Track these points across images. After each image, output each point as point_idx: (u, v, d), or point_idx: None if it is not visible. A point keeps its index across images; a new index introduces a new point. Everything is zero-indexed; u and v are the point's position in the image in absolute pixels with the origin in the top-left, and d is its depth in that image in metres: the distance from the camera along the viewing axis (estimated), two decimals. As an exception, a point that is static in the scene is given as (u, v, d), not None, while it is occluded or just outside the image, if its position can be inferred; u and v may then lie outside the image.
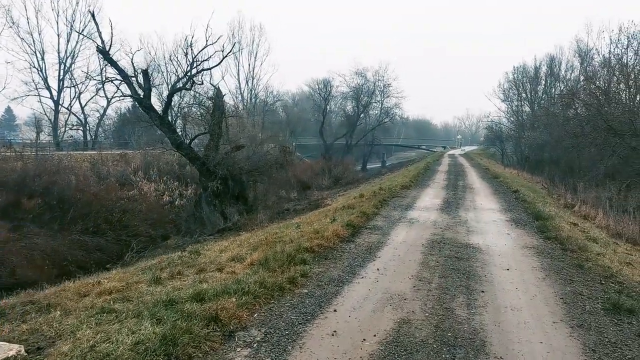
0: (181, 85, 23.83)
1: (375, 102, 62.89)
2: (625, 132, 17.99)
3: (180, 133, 28.99)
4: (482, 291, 5.08)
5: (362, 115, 63.17)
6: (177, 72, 24.13)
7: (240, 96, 52.44)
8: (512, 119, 48.81)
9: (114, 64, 21.32)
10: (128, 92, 21.33)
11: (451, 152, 66.65)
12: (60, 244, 14.81)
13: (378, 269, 5.90)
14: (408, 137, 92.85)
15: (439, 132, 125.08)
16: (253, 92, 53.59)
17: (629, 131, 18.01)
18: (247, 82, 52.50)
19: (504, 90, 48.83)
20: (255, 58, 51.92)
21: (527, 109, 46.52)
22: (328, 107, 64.77)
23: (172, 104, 35.05)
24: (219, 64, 25.22)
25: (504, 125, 50.46)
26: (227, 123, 26.97)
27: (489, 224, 9.36)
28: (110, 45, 20.55)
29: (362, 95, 61.22)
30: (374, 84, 60.00)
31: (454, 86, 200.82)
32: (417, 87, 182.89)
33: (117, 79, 22.30)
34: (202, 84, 25.59)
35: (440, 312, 4.42)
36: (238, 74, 52.13)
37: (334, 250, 6.78)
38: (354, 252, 6.78)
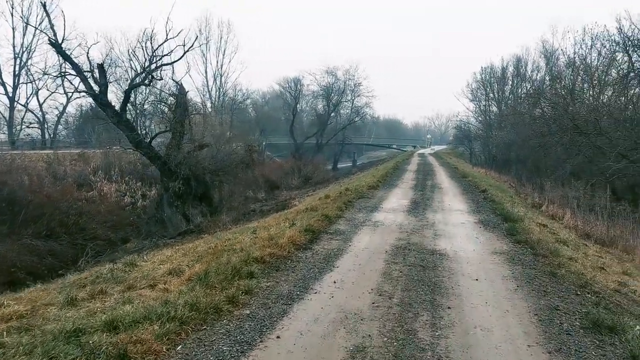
0: (140, 81, 22.60)
1: (346, 101, 62.68)
2: (591, 132, 18.04)
3: (140, 131, 27.70)
4: (449, 307, 4.49)
5: (332, 115, 62.81)
6: (135, 67, 22.78)
7: (208, 94, 51.04)
8: (480, 118, 49.37)
9: (67, 58, 20.03)
10: (84, 88, 20.11)
11: (421, 151, 67.09)
12: (9, 249, 13.65)
13: (335, 282, 5.25)
14: (379, 137, 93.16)
15: (410, 131, 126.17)
16: (221, 89, 52.28)
17: (594, 130, 18.06)
18: (215, 79, 51.17)
19: (472, 90, 49.36)
20: (223, 55, 50.67)
21: (494, 108, 47.10)
22: (299, 106, 64.10)
23: (135, 101, 33.64)
24: (180, 58, 24.20)
25: (472, 124, 51.01)
26: (190, 121, 25.91)
27: (457, 226, 8.88)
28: (63, 39, 19.27)
29: (332, 94, 60.81)
30: (345, 83, 59.71)
31: (424, 86, 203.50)
32: (388, 87, 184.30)
33: (71, 74, 21.03)
34: (162, 79, 24.46)
35: (401, 336, 3.80)
36: (206, 71, 50.63)
37: (288, 260, 6.10)
38: (310, 261, 6.11)
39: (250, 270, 5.32)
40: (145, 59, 21.65)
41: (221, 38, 50.27)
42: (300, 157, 51.68)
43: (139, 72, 22.52)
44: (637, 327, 4.04)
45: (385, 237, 7.74)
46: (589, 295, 5.02)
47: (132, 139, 21.15)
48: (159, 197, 24.73)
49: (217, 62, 50.88)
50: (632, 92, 21.06)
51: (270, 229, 8.27)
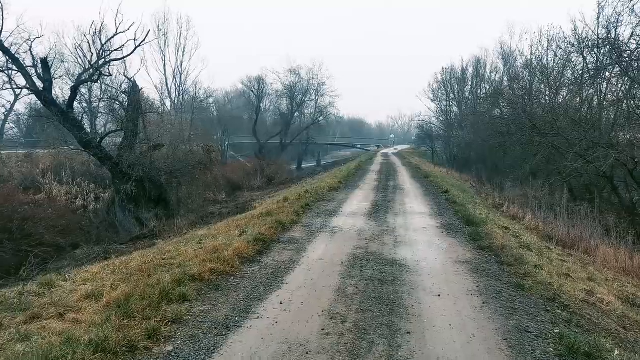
0: (87, 77, 21.16)
1: (309, 101, 62.16)
2: (549, 132, 18.17)
3: (93, 130, 26.09)
4: (409, 332, 3.93)
5: (296, 114, 62.20)
6: (84, 62, 21.30)
7: (167, 92, 49.14)
8: (441, 118, 49.94)
9: (5, 51, 18.43)
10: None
11: (384, 150, 67.45)
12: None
13: (281, 303, 4.60)
14: (343, 136, 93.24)
15: (374, 131, 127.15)
16: (181, 88, 50.46)
17: (551, 130, 18.21)
18: (174, 77, 49.31)
19: (434, 91, 49.83)
20: (183, 52, 48.88)
21: (455, 109, 47.72)
22: (262, 105, 63.13)
23: (89, 98, 31.82)
24: (131, 53, 22.72)
25: (434, 124, 51.57)
26: (144, 120, 24.63)
27: (418, 231, 8.42)
28: (2, 30, 17.68)
29: (296, 94, 60.19)
30: (308, 82, 59.16)
31: (388, 86, 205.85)
32: (353, 87, 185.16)
33: (12, 70, 19.40)
34: (110, 75, 23.04)
35: (352, 375, 3.20)
36: (164, 69, 48.67)
37: (231, 277, 5.39)
38: (256, 277, 5.43)
39: (182, 292, 4.59)
40: (93, 54, 20.31)
41: (180, 35, 48.52)
42: (263, 157, 50.84)
43: (86, 67, 21.11)
44: (616, 351, 3.61)
45: (342, 245, 7.16)
46: (560, 311, 4.59)
47: (80, 139, 19.77)
48: (110, 201, 23.42)
49: (177, 60, 49.08)
50: (586, 93, 21.49)
51: (218, 238, 7.53)
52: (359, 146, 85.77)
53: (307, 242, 7.30)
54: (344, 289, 5.05)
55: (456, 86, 47.11)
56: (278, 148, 58.68)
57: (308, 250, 6.80)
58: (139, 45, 21.41)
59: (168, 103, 48.12)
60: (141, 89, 24.90)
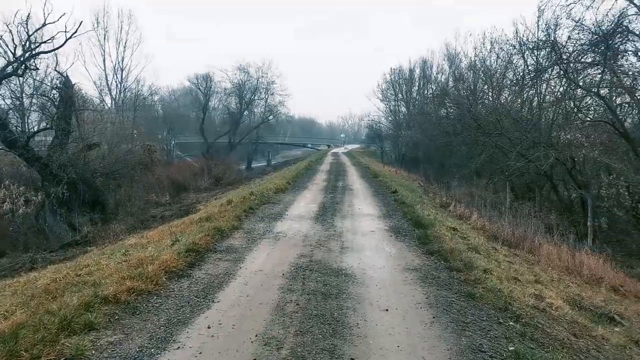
0: (11, 70, 19.30)
1: (259, 99, 61.26)
2: (492, 132, 18.56)
3: (19, 129, 23.94)
4: (352, 359, 3.46)
5: (246, 113, 61.05)
6: (8, 55, 19.38)
7: (107, 88, 46.37)
8: (390, 118, 50.65)
9: None
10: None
11: (335, 150, 67.58)
12: None
13: (209, 327, 3.99)
14: (294, 136, 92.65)
15: (324, 130, 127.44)
16: (123, 84, 47.80)
17: (495, 130, 18.61)
18: (115, 73, 46.61)
19: (382, 91, 50.48)
20: (124, 47, 46.29)
21: (403, 109, 48.52)
22: (211, 103, 61.50)
23: (21, 94, 29.26)
24: (62, 46, 21.07)
25: (383, 124, 52.21)
26: (78, 117, 22.92)
27: (366, 235, 8.03)
28: None
29: (245, 92, 58.97)
30: (258, 80, 58.21)
31: (339, 86, 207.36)
32: (304, 86, 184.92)
33: None
34: (38, 69, 21.25)
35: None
36: (104, 64, 45.88)
37: (154, 296, 4.70)
38: (184, 295, 4.77)
39: (89, 320, 3.87)
40: (17, 46, 18.57)
41: (121, 29, 45.96)
42: (211, 156, 49.42)
43: (10, 60, 19.25)
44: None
45: (285, 253, 6.61)
46: (512, 323, 4.30)
47: (3, 138, 18.06)
48: (41, 204, 21.63)
49: (118, 55, 46.41)
50: (527, 94, 22.24)
51: (147, 248, 6.77)
52: (309, 145, 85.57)
53: (247, 251, 6.69)
54: (283, 306, 4.51)
55: (404, 87, 47.91)
56: (227, 147, 57.26)
57: (247, 260, 6.20)
58: (71, 37, 19.85)
59: (108, 100, 45.48)
60: (75, 84, 23.19)
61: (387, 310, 4.45)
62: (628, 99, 13.58)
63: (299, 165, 30.02)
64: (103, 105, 43.66)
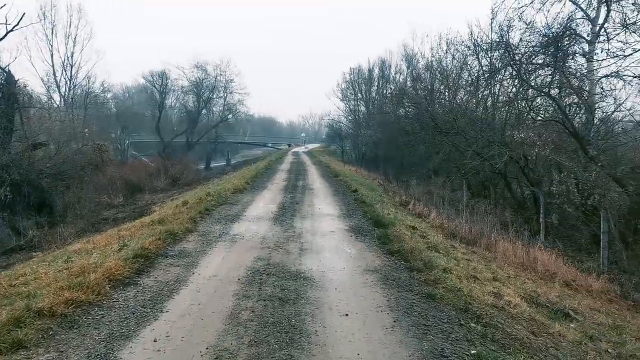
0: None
1: (218, 98, 60.06)
2: (450, 131, 18.90)
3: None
4: (310, 370, 3.26)
5: (204, 112, 59.75)
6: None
7: (55, 85, 43.84)
8: (350, 117, 50.92)
9: None
10: None
11: (296, 149, 67.31)
12: None
13: (155, 340, 3.66)
14: (254, 135, 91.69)
15: (285, 130, 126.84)
16: (72, 81, 45.35)
17: (452, 129, 18.96)
18: (64, 69, 44.14)
19: (342, 90, 50.67)
20: (74, 42, 43.85)
21: (363, 108, 48.89)
22: (168, 101, 59.87)
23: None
24: (1, 39, 19.75)
25: (343, 123, 52.45)
26: (22, 115, 21.59)
27: (326, 236, 7.85)
28: None
29: (203, 90, 57.63)
30: (216, 78, 57.07)
31: (299, 85, 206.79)
32: (264, 85, 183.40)
33: None
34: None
35: None
36: (52, 59, 43.31)
37: (95, 308, 4.30)
38: (129, 306, 4.40)
39: (18, 338, 3.46)
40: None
41: (70, 24, 43.56)
42: (168, 156, 48.04)
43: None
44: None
45: (242, 256, 6.31)
46: (473, 324, 4.22)
47: None
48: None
49: (67, 50, 44.00)
50: (481, 94, 22.85)
51: (93, 254, 6.27)
52: (270, 145, 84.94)
53: (201, 255, 6.33)
54: (237, 314, 4.23)
55: (363, 86, 48.31)
56: (185, 147, 55.83)
57: (200, 265, 5.86)
58: (12, 30, 18.64)
59: (57, 97, 43.09)
60: (19, 80, 21.83)
61: (347, 315, 4.27)
62: (577, 100, 14.13)
63: (259, 165, 29.56)
64: (51, 102, 41.40)
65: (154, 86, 57.11)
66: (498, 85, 20.44)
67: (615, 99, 13.57)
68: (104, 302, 4.45)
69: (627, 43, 12.27)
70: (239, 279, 5.27)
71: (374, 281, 5.31)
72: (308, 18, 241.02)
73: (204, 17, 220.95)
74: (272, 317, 4.15)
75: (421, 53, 36.83)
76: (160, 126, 55.79)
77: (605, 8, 14.67)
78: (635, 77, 12.35)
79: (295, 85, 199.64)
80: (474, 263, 7.84)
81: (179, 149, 55.79)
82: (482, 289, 5.80)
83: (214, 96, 58.96)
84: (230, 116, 60.90)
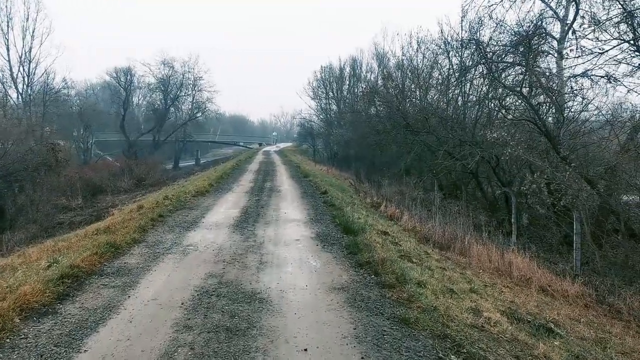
0: None
1: (186, 96, 58.39)
2: (421, 130, 18.52)
3: None
4: None
5: (172, 110, 57.86)
6: None
7: (11, 81, 41.34)
8: (321, 116, 50.41)
9: None
10: None
11: (267, 148, 66.31)
12: None
13: (61, 396, 2.90)
14: (225, 134, 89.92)
15: (256, 129, 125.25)
16: (30, 77, 42.89)
17: (423, 129, 18.59)
18: (21, 65, 41.69)
19: (314, 89, 50.17)
20: (32, 37, 41.52)
21: (334, 107, 48.47)
22: (135, 99, 57.98)
23: None
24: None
25: (314, 122, 51.85)
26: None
27: (290, 246, 7.15)
28: None
29: (170, 88, 55.88)
30: (184, 75, 55.40)
31: (271, 83, 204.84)
32: (235, 83, 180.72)
33: None
34: None
35: None
36: (8, 54, 40.75)
37: (-7, 349, 3.48)
38: (39, 344, 3.58)
39: None
40: None
41: (28, 17, 41.19)
42: (134, 155, 46.42)
43: None
44: None
45: (191, 273, 5.54)
46: (454, 357, 3.62)
47: None
48: None
49: (24, 45, 41.59)
50: (452, 93, 22.62)
51: (16, 272, 5.39)
52: (241, 144, 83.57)
53: (143, 272, 5.52)
54: (172, 353, 3.48)
55: (335, 85, 47.86)
56: (152, 146, 54.00)
57: (140, 285, 5.06)
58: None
59: (14, 94, 40.76)
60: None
61: (305, 350, 3.58)
62: (548, 99, 13.93)
63: (226, 165, 28.58)
64: (6, 99, 39.11)
65: (119, 83, 55.02)
66: (468, 84, 20.24)
67: (583, 98, 13.46)
68: (7, 340, 3.62)
69: (598, 40, 12.09)
70: (182, 304, 4.51)
71: (340, 302, 4.65)
72: (282, 17, 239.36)
73: (175, 15, 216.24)
74: (215, 357, 3.43)
75: (392, 52, 36.70)
76: (126, 124, 53.87)
77: (574, 7, 14.57)
78: (603, 77, 12.19)
79: (267, 84, 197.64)
80: (449, 272, 7.32)
81: (146, 148, 54.07)
82: (460, 304, 5.25)
83: (182, 94, 57.47)
84: (199, 114, 59.40)
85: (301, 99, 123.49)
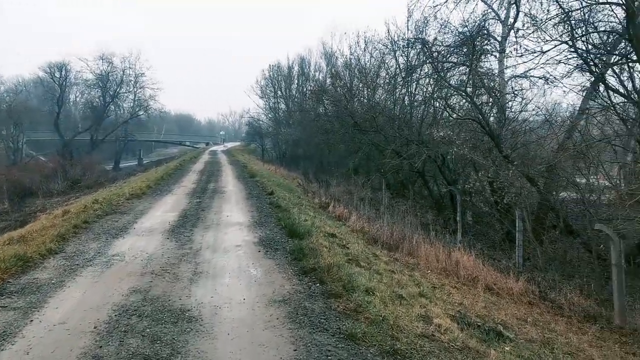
0: None
1: (127, 93, 55.63)
2: (369, 129, 18.44)
3: None
4: None
5: (112, 107, 54.90)
6: None
7: None
8: (270, 115, 49.71)
9: None
10: None
11: (214, 148, 64.62)
12: None
13: None
14: (170, 133, 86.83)
15: (204, 128, 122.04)
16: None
17: (371, 128, 18.52)
18: None
19: (261, 87, 49.40)
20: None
21: (283, 106, 47.94)
22: (71, 96, 54.44)
23: None
24: None
25: (263, 121, 51.05)
26: None
27: (230, 252, 6.59)
28: None
29: (109, 84, 53.00)
30: (124, 72, 52.69)
31: (219, 82, 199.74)
32: (181, 81, 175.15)
33: None
34: None
35: None
36: None
37: None
38: None
39: None
40: None
41: None
42: (70, 155, 43.63)
43: None
44: None
45: (112, 289, 4.86)
46: (405, 377, 3.28)
47: None
48: None
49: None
50: (399, 92, 22.78)
51: None
52: (188, 143, 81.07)
53: (55, 289, 4.78)
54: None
55: (283, 83, 47.34)
56: (90, 145, 51.01)
57: (48, 305, 4.33)
58: None
59: None
60: None
61: (237, 381, 3.10)
62: (490, 99, 14.22)
63: (169, 165, 27.30)
64: None
65: (53, 79, 51.51)
66: (415, 84, 20.42)
67: (523, 98, 13.86)
68: None
69: (539, 41, 12.43)
70: (95, 327, 3.86)
71: (281, 318, 4.17)
72: (231, 16, 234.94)
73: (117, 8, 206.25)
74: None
75: (340, 51, 36.72)
76: (61, 122, 50.71)
77: (515, 9, 14.97)
78: (540, 78, 12.57)
79: (214, 83, 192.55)
80: (398, 275, 7.06)
81: (84, 147, 51.10)
82: (410, 312, 4.96)
83: (123, 91, 54.86)
84: (141, 112, 56.73)
85: (249, 98, 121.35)
